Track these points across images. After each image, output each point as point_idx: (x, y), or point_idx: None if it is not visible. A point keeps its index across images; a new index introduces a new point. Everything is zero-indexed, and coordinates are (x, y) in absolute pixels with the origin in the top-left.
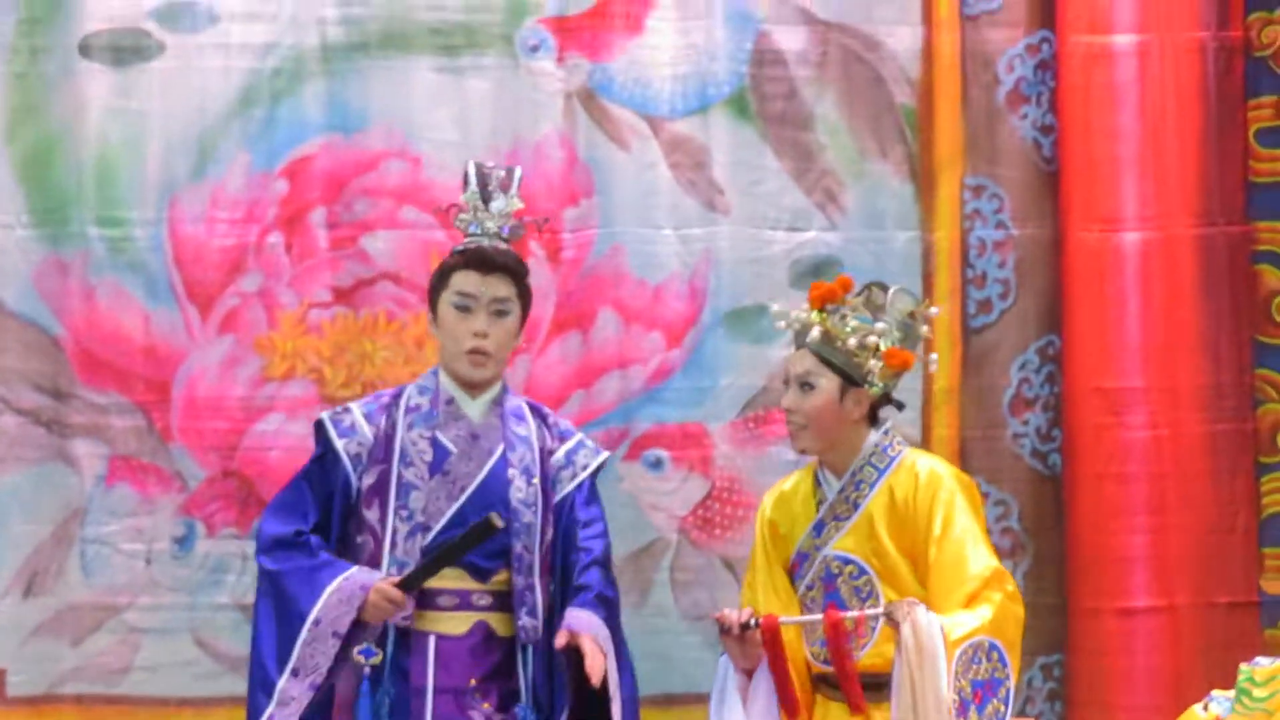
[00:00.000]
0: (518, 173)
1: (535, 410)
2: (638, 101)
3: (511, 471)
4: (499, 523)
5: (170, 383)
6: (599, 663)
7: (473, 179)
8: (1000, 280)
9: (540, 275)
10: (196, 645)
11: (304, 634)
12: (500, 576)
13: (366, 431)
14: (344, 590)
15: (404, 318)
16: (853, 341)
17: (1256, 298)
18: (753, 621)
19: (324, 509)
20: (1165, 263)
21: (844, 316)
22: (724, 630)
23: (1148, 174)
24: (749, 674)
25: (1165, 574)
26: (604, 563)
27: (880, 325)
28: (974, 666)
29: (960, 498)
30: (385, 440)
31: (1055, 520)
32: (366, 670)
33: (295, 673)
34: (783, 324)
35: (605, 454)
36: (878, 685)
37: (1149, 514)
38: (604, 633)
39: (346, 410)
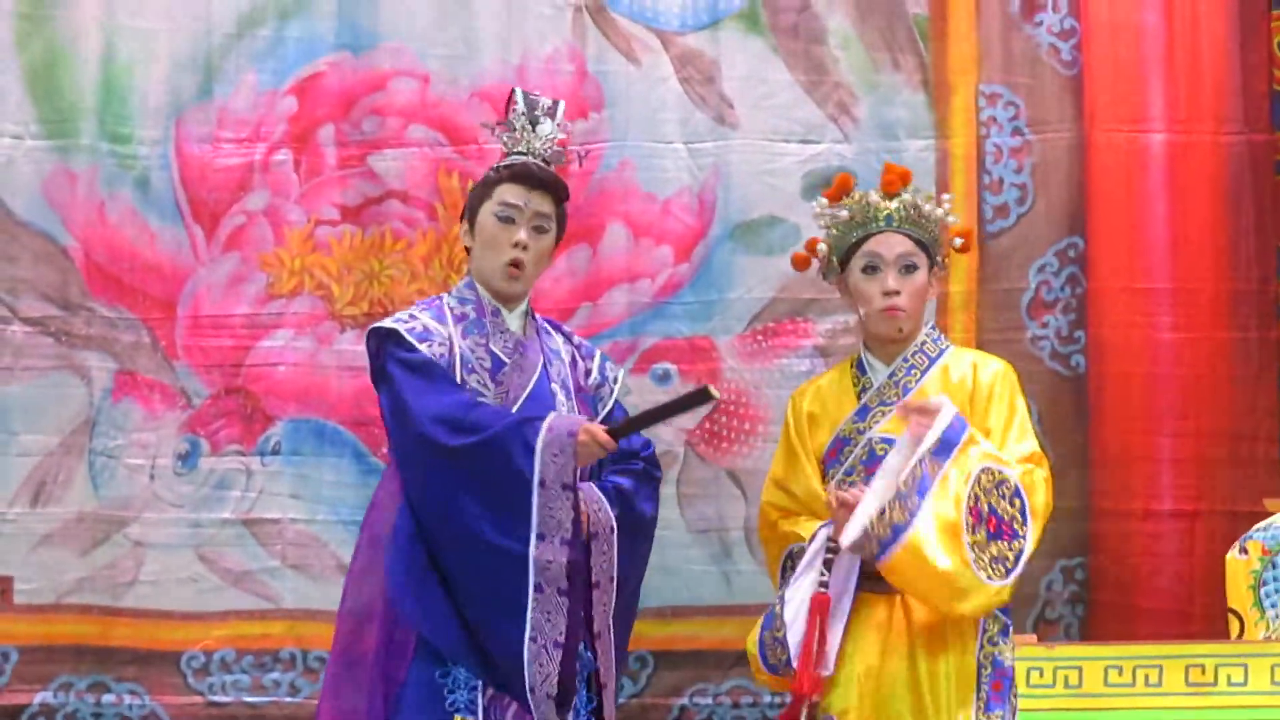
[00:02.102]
0: (562, 105)
1: (555, 327)
2: (648, 15)
3: (554, 385)
4: (716, 393)
5: (175, 300)
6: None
7: (520, 102)
8: (1017, 185)
9: None
10: (200, 560)
11: (535, 499)
12: None
13: (441, 332)
14: (556, 444)
15: (411, 236)
16: (935, 221)
17: None
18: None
19: None
20: (1190, 167)
21: (915, 201)
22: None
23: (1174, 77)
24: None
25: (1189, 478)
26: (643, 477)
27: (942, 209)
28: (996, 494)
29: (1015, 386)
30: (450, 346)
31: (1076, 422)
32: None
33: (542, 536)
34: (846, 214)
35: (620, 367)
36: None
37: (1175, 417)
38: (605, 511)
39: (413, 317)
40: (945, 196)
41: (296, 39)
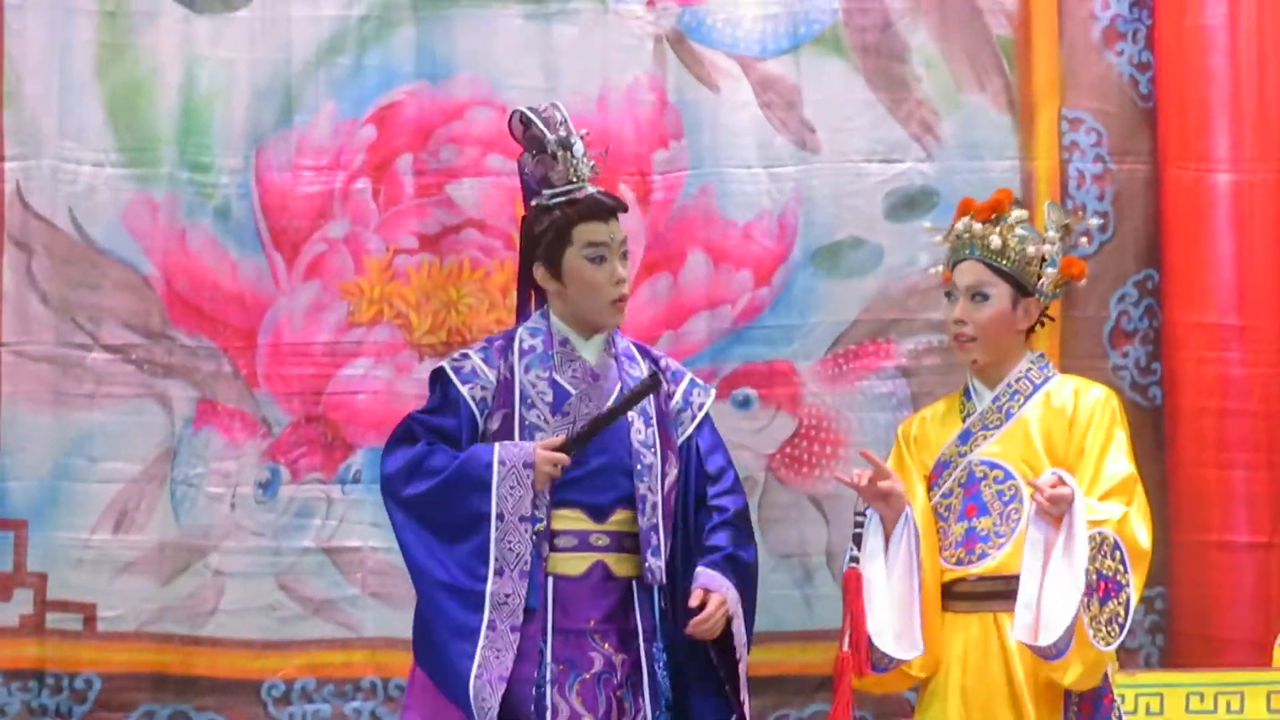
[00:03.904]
0: (563, 107)
1: (644, 351)
2: (728, 42)
3: (630, 413)
4: (661, 380)
5: (256, 329)
6: (706, 627)
7: (541, 126)
8: (1099, 213)
9: (630, 218)
10: (280, 589)
11: (494, 533)
12: (618, 517)
13: (489, 375)
14: (510, 477)
15: (489, 265)
16: (1029, 249)
17: None
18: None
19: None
20: (1257, 205)
21: (1012, 226)
22: (859, 489)
23: (1239, 118)
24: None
25: (1263, 511)
26: (736, 522)
27: (1050, 234)
28: (1101, 557)
29: (1118, 412)
30: (505, 384)
31: (1155, 453)
32: (532, 536)
33: (500, 572)
34: (939, 238)
35: (713, 390)
36: (1009, 592)
37: (1248, 451)
38: (733, 595)
39: (465, 356)
40: (1086, 223)
41: (375, 68)
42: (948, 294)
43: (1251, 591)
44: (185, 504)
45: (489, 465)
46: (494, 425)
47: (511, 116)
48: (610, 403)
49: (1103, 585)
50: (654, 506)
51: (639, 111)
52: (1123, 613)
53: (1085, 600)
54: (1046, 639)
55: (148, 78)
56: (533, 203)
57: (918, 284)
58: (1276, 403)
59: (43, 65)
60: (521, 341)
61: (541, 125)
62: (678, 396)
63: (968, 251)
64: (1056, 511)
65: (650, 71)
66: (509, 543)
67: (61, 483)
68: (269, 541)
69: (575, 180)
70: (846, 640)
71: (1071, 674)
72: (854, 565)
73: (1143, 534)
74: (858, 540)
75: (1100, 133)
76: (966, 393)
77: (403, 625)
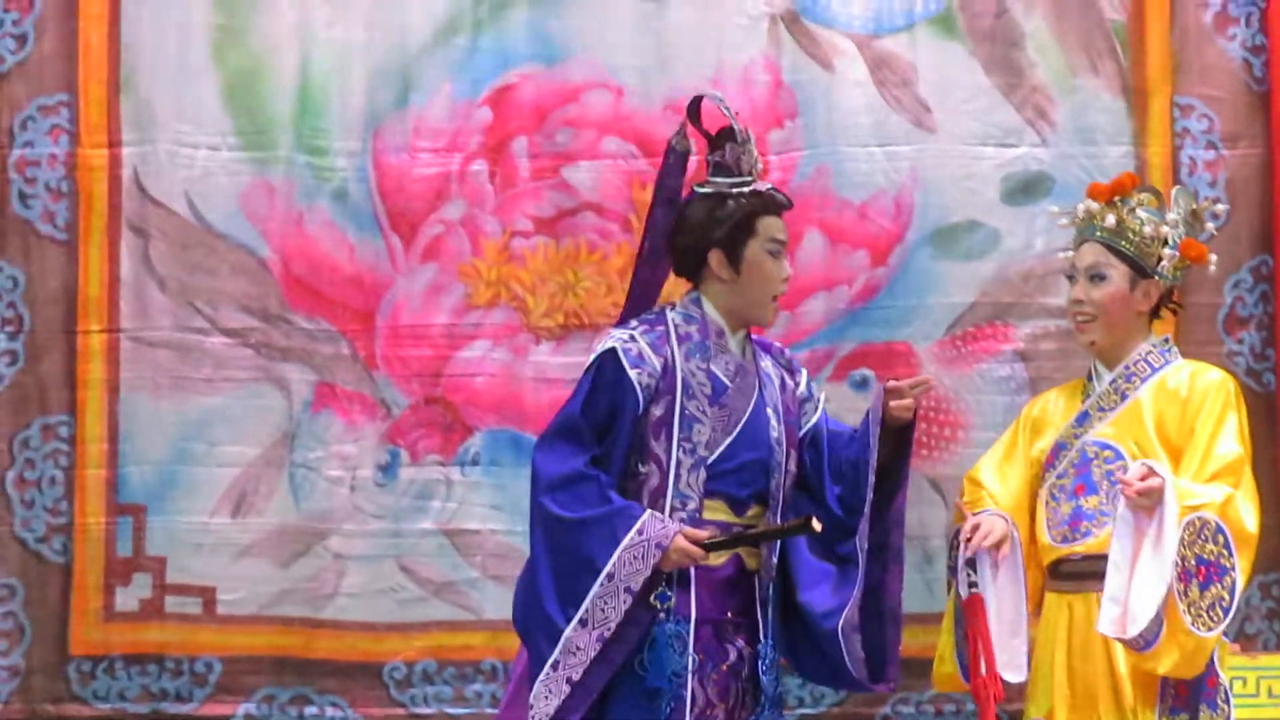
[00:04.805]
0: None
1: (765, 346)
2: (842, 21)
3: (768, 410)
4: (817, 526)
5: (375, 311)
6: (905, 402)
7: (731, 114)
8: (1212, 199)
9: None
10: (401, 571)
11: (596, 588)
12: (753, 511)
13: (655, 361)
14: (639, 548)
15: (606, 248)
16: (1147, 230)
17: None
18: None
19: (603, 441)
20: None
21: (1133, 209)
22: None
23: None
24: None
25: None
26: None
27: (1171, 216)
28: (1200, 542)
29: (1230, 395)
30: (668, 371)
31: (1270, 438)
32: (662, 615)
33: (584, 623)
34: (1065, 221)
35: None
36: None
37: None
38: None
39: (632, 339)
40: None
41: (490, 50)
42: (1069, 277)
43: None
44: (304, 487)
45: (626, 530)
46: (657, 412)
47: (698, 99)
48: (770, 524)
49: (1203, 570)
50: (779, 504)
51: (754, 92)
52: (1227, 597)
53: (1183, 587)
54: (1133, 630)
55: (264, 60)
56: (706, 189)
57: (1034, 268)
58: None
59: (159, 49)
60: (677, 328)
61: (731, 114)
62: (802, 389)
63: (1089, 233)
64: (1149, 503)
65: (765, 51)
66: (605, 603)
67: (180, 468)
68: (389, 524)
69: (752, 173)
70: (982, 666)
71: (1166, 662)
72: (975, 590)
73: (1249, 517)
74: (970, 564)
75: (1212, 119)
76: (1089, 376)
77: None
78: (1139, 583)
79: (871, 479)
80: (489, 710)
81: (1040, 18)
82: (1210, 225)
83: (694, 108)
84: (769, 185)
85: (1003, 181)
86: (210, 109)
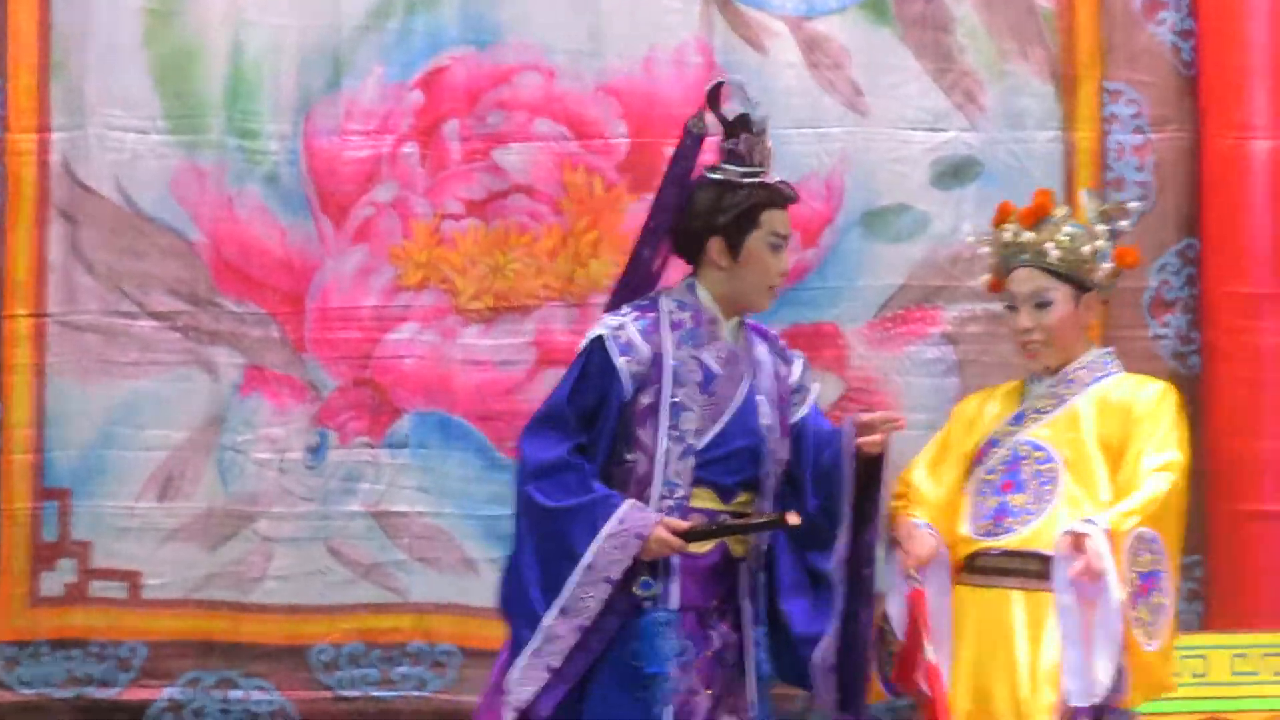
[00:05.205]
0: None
1: (761, 332)
2: (775, 3)
3: (759, 397)
4: (794, 521)
5: (304, 294)
6: (876, 437)
7: (751, 103)
8: (1139, 183)
9: None
10: (329, 554)
11: (576, 576)
12: (740, 499)
13: (644, 349)
14: (620, 538)
15: (536, 230)
16: (1083, 247)
17: None
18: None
19: (589, 428)
20: None
21: (1058, 227)
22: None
23: (1278, 86)
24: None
25: None
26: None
27: (1099, 228)
28: (1138, 558)
29: (1173, 406)
30: (657, 359)
31: (1193, 422)
32: (646, 604)
33: (564, 611)
34: (986, 249)
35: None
36: (1040, 572)
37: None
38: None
39: (622, 326)
40: (1124, 206)
41: (423, 32)
42: (1009, 306)
43: None
44: (233, 470)
45: (607, 519)
46: (645, 400)
47: (719, 85)
48: (759, 510)
49: (1144, 585)
50: (770, 491)
51: (687, 74)
52: (1165, 601)
53: (1134, 613)
54: (1101, 690)
55: (195, 44)
56: (716, 175)
57: (962, 252)
58: None
59: (89, 33)
60: (670, 314)
61: (752, 103)
62: (795, 378)
63: (1017, 259)
64: (1096, 569)
65: (697, 33)
66: (585, 592)
67: (107, 452)
68: (317, 506)
69: (764, 164)
70: (930, 652)
71: (1138, 696)
72: (917, 585)
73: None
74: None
75: (1140, 103)
76: (1028, 380)
77: (449, 590)
78: (1099, 646)
79: (848, 510)
80: (415, 694)
81: (970, 3)
82: (1122, 223)
83: (714, 92)
84: (779, 178)
85: (932, 165)
86: (141, 92)
